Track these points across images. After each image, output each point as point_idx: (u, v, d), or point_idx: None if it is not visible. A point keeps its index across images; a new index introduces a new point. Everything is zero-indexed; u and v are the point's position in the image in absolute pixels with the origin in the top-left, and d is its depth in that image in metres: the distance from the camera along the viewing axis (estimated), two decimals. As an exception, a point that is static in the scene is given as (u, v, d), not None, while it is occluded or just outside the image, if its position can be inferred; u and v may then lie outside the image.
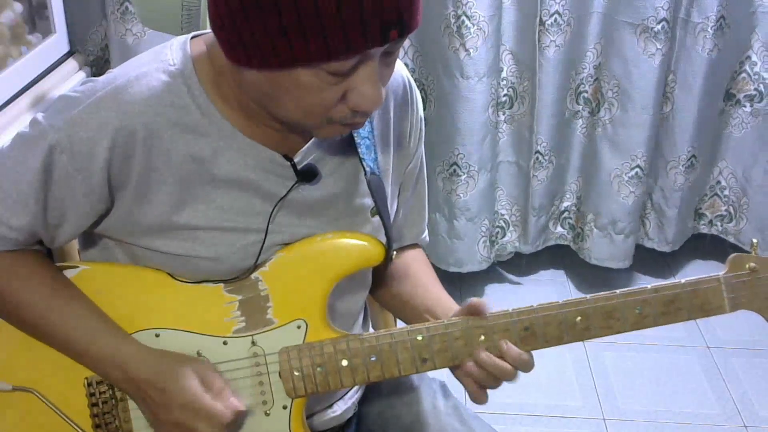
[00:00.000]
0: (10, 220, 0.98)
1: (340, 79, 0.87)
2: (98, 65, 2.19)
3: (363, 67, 0.86)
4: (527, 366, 1.02)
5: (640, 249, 2.60)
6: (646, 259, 2.64)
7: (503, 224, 2.54)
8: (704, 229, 2.65)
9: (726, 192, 2.58)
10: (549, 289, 2.61)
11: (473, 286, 2.61)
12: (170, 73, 0.96)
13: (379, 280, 1.19)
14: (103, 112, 0.94)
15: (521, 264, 2.67)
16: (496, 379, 1.02)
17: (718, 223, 2.63)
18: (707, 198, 2.61)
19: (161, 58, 0.97)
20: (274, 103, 0.91)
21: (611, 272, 2.53)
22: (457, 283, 2.59)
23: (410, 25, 0.85)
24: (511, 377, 1.01)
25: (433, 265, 2.40)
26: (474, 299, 1.02)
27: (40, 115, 0.97)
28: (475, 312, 1.01)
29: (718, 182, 2.58)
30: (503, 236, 2.55)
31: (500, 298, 2.56)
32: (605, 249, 2.51)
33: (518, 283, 2.66)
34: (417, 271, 1.19)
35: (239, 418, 1.00)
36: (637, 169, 2.40)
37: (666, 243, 2.57)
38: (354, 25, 0.81)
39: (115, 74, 0.98)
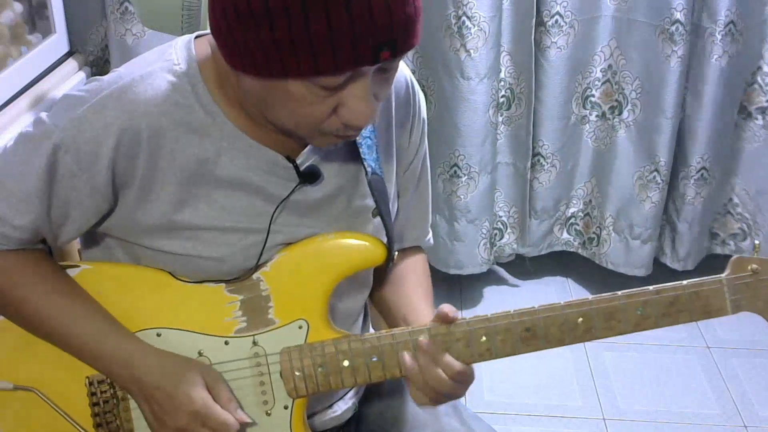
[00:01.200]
0: (14, 220, 0.98)
1: (332, 93, 0.87)
2: (98, 65, 2.19)
3: (354, 83, 0.87)
4: (461, 375, 1.01)
5: (658, 264, 2.54)
6: (661, 275, 2.53)
7: (501, 226, 2.53)
8: (718, 249, 2.55)
9: (739, 209, 2.49)
10: (552, 294, 2.60)
11: (474, 288, 2.60)
12: (175, 73, 0.96)
13: (375, 281, 1.19)
14: (108, 112, 0.94)
15: (524, 268, 2.66)
16: (432, 388, 1.01)
17: (731, 242, 2.54)
18: (720, 216, 2.52)
19: (166, 58, 0.98)
20: (269, 109, 0.92)
21: (617, 282, 2.44)
22: (458, 285, 2.59)
23: (405, 45, 0.85)
24: (445, 385, 1.01)
25: (434, 268, 2.42)
26: (444, 306, 1.01)
27: (44, 114, 0.97)
28: (444, 321, 1.01)
29: (731, 199, 2.50)
30: (501, 238, 2.54)
31: (501, 301, 2.56)
32: (621, 254, 2.47)
33: (520, 287, 2.65)
34: (406, 278, 1.19)
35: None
36: (655, 173, 2.35)
37: (677, 260, 2.49)
38: (344, 44, 0.81)
39: (120, 73, 0.98)
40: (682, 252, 2.48)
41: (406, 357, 1.01)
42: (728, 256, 2.55)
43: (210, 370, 1.01)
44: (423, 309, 1.12)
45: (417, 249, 1.24)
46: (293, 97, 0.87)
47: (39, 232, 1.01)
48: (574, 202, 2.54)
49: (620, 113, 2.37)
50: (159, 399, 0.98)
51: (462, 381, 1.02)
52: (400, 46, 0.85)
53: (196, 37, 1.01)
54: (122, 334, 1.01)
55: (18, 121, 1.68)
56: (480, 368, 1.05)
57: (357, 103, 0.88)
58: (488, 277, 2.61)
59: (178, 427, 0.98)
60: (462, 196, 2.36)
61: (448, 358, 1.00)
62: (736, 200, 2.50)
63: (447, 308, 1.01)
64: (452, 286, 2.58)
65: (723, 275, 1.02)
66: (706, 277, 1.02)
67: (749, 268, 1.02)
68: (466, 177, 2.34)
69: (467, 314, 2.63)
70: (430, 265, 1.21)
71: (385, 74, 0.90)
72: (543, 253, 2.60)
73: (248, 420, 1.00)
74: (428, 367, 1.00)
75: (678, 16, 2.15)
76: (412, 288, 1.17)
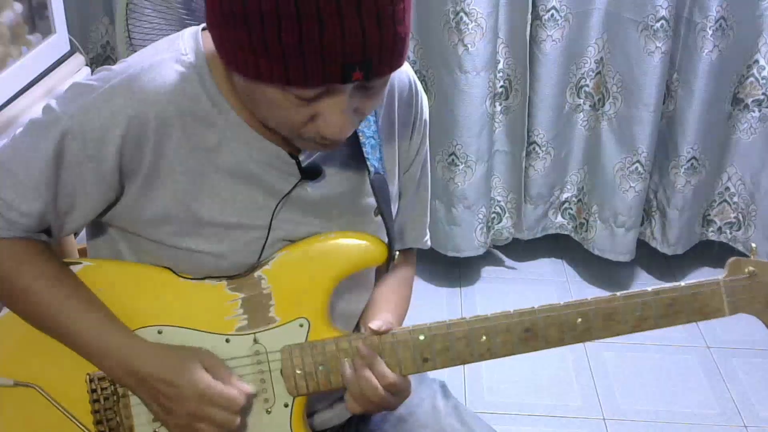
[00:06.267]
0: (21, 206, 0.98)
1: (307, 103, 0.88)
2: (99, 64, 2.19)
3: (330, 98, 0.87)
4: (394, 387, 1.01)
5: (647, 247, 2.62)
6: (652, 258, 2.65)
7: (499, 210, 2.60)
8: (713, 236, 2.63)
9: (735, 198, 2.56)
10: (547, 276, 2.65)
11: (472, 269, 2.66)
12: (183, 63, 0.97)
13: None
14: (117, 100, 0.94)
15: (520, 250, 2.72)
16: (366, 398, 1.01)
17: (727, 231, 2.61)
18: (716, 204, 2.60)
19: (174, 48, 0.99)
20: (255, 106, 0.93)
21: (610, 264, 2.57)
22: (457, 266, 2.65)
23: (381, 69, 0.85)
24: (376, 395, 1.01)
25: (433, 249, 2.47)
26: (371, 325, 1.02)
27: (53, 102, 0.98)
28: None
29: (727, 188, 2.57)
30: (499, 222, 2.62)
31: (498, 281, 2.63)
32: (607, 241, 2.55)
33: (517, 269, 2.71)
34: (383, 283, 1.18)
35: (246, 407, 1.00)
36: (638, 164, 2.42)
37: (667, 245, 2.57)
38: (313, 59, 0.82)
39: (129, 63, 0.98)
40: (672, 237, 2.56)
41: (346, 366, 1.02)
42: (722, 243, 2.60)
43: (206, 353, 1.01)
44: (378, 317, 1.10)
45: (407, 256, 1.23)
46: (270, 99, 0.88)
47: (45, 220, 1.01)
48: (568, 187, 2.62)
49: (603, 105, 2.44)
50: (163, 390, 0.98)
51: (395, 393, 1.02)
52: (375, 69, 0.84)
53: (204, 29, 1.01)
54: (122, 331, 1.02)
55: (18, 121, 1.68)
56: (480, 368, 1.06)
57: (331, 117, 0.88)
58: (486, 258, 2.67)
59: (188, 413, 0.98)
60: (459, 183, 2.44)
61: (383, 368, 1.01)
62: (732, 189, 2.57)
63: (376, 324, 1.01)
64: (452, 266, 2.64)
65: (720, 277, 1.03)
66: (703, 279, 1.03)
67: (746, 270, 1.02)
68: (463, 165, 2.41)
69: (466, 293, 2.69)
70: (430, 247, 1.21)
71: (369, 91, 0.90)
72: (538, 236, 2.67)
73: (251, 391, 1.01)
74: (363, 374, 1.01)
75: (663, 13, 2.21)
76: (383, 295, 1.16)
